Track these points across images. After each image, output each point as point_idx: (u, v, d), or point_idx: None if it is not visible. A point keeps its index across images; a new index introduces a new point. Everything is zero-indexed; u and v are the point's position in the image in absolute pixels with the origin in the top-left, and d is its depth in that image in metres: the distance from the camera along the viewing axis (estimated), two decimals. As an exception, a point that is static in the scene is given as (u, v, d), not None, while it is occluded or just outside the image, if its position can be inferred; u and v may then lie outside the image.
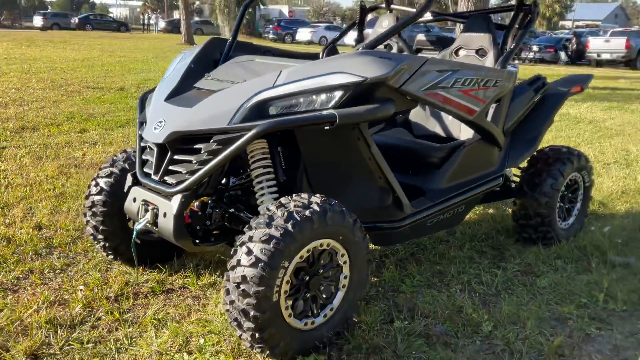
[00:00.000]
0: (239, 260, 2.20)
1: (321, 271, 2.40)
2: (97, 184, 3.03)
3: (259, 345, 2.26)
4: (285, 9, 59.73)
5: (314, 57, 3.86)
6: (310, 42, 36.21)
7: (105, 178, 3.03)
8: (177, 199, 2.48)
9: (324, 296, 2.45)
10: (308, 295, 2.38)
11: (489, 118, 3.25)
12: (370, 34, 4.01)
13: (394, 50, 4.05)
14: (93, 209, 3.00)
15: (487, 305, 2.97)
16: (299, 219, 2.23)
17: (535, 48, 26.39)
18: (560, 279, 3.29)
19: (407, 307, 2.88)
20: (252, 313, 2.17)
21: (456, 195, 3.15)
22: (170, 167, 2.56)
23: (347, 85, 2.38)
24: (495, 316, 2.82)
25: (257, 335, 2.22)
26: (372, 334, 2.61)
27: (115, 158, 3.12)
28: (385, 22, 3.92)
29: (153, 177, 2.61)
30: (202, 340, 2.53)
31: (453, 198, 3.13)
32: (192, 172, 2.46)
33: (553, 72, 17.03)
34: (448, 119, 3.68)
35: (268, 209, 2.31)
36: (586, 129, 8.44)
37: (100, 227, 3.02)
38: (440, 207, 3.06)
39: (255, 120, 2.38)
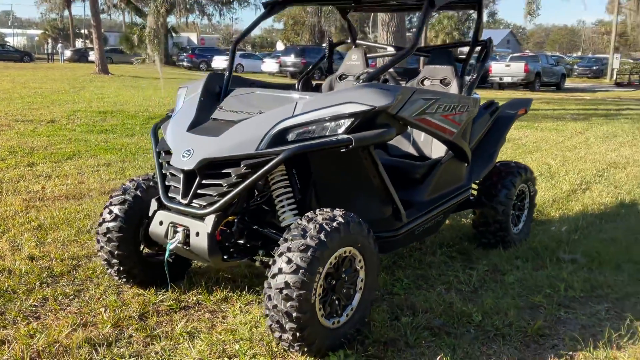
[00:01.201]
0: (280, 269, 2.50)
1: (343, 275, 2.74)
2: (111, 212, 3.21)
3: (299, 344, 2.56)
4: (193, 37, 59.58)
5: (290, 87, 4.23)
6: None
7: (118, 205, 3.21)
8: (210, 219, 2.75)
9: (346, 298, 2.78)
10: (334, 297, 2.71)
11: (457, 138, 3.72)
12: (340, 66, 4.42)
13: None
14: (108, 235, 3.18)
15: (471, 300, 3.41)
16: (329, 229, 2.57)
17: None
18: (523, 275, 3.80)
19: (406, 305, 3.26)
20: (294, 314, 2.47)
21: (437, 206, 3.59)
22: (199, 191, 2.81)
23: (357, 113, 2.75)
24: (481, 308, 3.26)
25: (298, 334, 2.51)
26: (385, 329, 2.96)
27: (125, 186, 3.31)
28: (354, 56, 4.34)
29: (181, 200, 2.85)
30: (237, 346, 2.78)
31: (435, 208, 3.57)
32: (223, 194, 2.74)
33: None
34: (420, 139, 4.14)
35: (299, 223, 2.63)
36: (507, 146, 9.26)
37: (116, 252, 3.19)
38: (426, 216, 3.49)
39: (278, 146, 2.71)
